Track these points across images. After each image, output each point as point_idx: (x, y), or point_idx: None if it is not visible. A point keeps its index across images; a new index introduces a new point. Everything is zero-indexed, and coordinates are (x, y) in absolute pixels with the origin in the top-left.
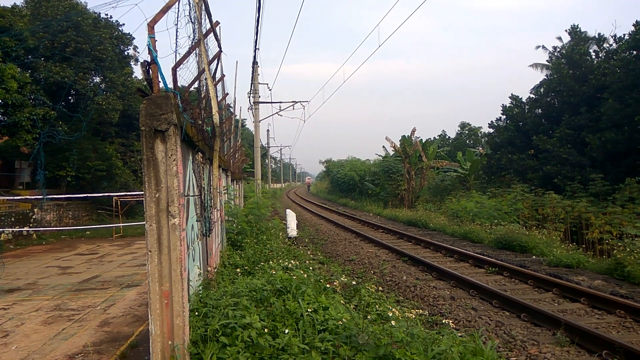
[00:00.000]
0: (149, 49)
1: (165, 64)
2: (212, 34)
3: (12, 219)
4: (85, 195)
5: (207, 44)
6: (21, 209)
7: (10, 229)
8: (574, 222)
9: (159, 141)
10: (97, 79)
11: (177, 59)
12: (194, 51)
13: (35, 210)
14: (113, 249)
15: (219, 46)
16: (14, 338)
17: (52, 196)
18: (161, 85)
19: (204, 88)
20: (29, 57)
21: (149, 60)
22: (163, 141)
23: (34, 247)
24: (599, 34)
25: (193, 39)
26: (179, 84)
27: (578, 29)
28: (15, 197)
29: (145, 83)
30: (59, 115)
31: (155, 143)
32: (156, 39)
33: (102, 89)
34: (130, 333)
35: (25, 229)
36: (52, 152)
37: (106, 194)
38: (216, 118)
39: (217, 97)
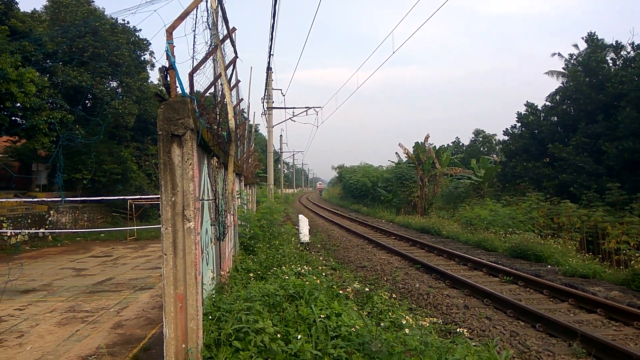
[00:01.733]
0: (167, 54)
1: (182, 70)
2: (228, 40)
3: (29, 221)
4: (101, 198)
5: (223, 50)
6: (37, 211)
7: (27, 231)
8: (590, 232)
9: (175, 145)
10: (114, 84)
11: (194, 65)
12: (210, 57)
13: (51, 212)
14: (127, 252)
15: (235, 52)
16: (29, 338)
17: (68, 198)
18: (178, 90)
19: (220, 93)
20: (48, 61)
21: (167, 66)
22: (180, 145)
23: (49, 249)
24: (616, 41)
25: (210, 45)
26: (195, 90)
27: (595, 37)
28: (32, 199)
29: (161, 88)
30: (76, 119)
31: (172, 147)
32: (174, 44)
33: (118, 94)
34: (143, 336)
35: (41, 230)
36: (69, 155)
37: (121, 197)
38: (232, 123)
39: (232, 102)
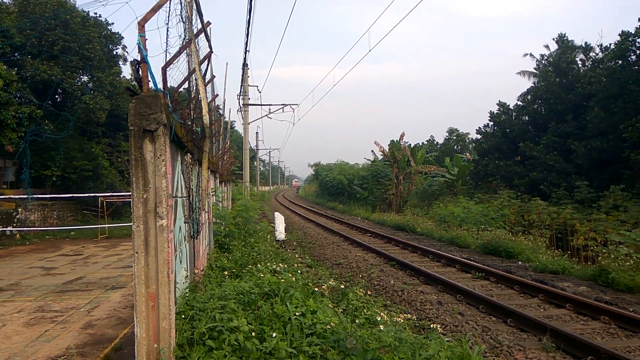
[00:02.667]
0: (139, 47)
1: (155, 64)
2: (202, 34)
3: None
4: (71, 195)
5: (198, 44)
6: (4, 208)
7: None
8: (560, 229)
9: (147, 141)
10: (85, 78)
11: (167, 59)
12: (184, 51)
13: (19, 209)
14: (98, 250)
15: (210, 47)
16: None
17: (37, 196)
18: (151, 84)
19: (194, 88)
20: (16, 54)
21: (139, 59)
22: (152, 141)
23: (17, 247)
24: (585, 42)
25: (184, 39)
26: (168, 85)
27: (565, 38)
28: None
29: (134, 83)
30: (45, 114)
31: (144, 143)
32: (147, 38)
33: (89, 88)
34: (114, 335)
35: (9, 228)
36: (38, 151)
37: (92, 195)
38: (206, 119)
39: (207, 98)
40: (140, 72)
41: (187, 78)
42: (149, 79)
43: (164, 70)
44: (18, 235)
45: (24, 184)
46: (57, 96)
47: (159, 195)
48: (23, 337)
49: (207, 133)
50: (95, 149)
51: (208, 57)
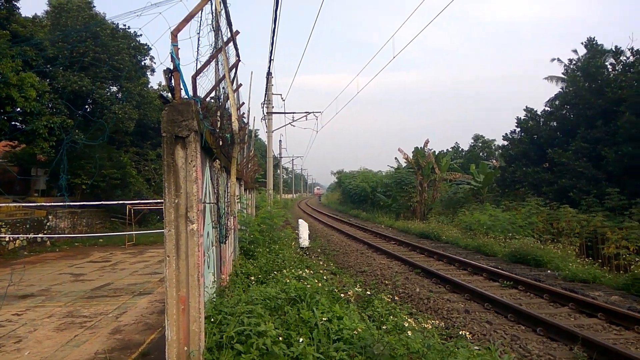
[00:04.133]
0: (172, 56)
1: (185, 73)
2: (231, 43)
3: (27, 226)
4: (100, 202)
5: (227, 52)
6: (36, 216)
7: (25, 236)
8: (590, 237)
9: (179, 147)
10: (114, 88)
11: (197, 67)
12: (213, 60)
13: (50, 217)
14: (126, 257)
15: (238, 55)
16: (27, 344)
17: (68, 203)
18: (182, 92)
19: (222, 96)
20: (49, 66)
21: (172, 68)
22: (183, 147)
23: (47, 254)
24: (615, 46)
25: (214, 48)
26: (197, 93)
27: (594, 42)
28: (31, 204)
29: (162, 90)
30: (76, 124)
31: (176, 149)
32: (179, 47)
33: (118, 98)
34: (141, 341)
35: (40, 235)
36: (69, 160)
37: (120, 202)
38: (235, 125)
39: (235, 104)
40: (172, 81)
41: (216, 86)
42: (181, 87)
43: (194, 78)
44: (48, 242)
45: (57, 192)
46: (87, 106)
47: (190, 200)
48: (53, 341)
49: (236, 139)
50: (123, 157)
51: (236, 65)
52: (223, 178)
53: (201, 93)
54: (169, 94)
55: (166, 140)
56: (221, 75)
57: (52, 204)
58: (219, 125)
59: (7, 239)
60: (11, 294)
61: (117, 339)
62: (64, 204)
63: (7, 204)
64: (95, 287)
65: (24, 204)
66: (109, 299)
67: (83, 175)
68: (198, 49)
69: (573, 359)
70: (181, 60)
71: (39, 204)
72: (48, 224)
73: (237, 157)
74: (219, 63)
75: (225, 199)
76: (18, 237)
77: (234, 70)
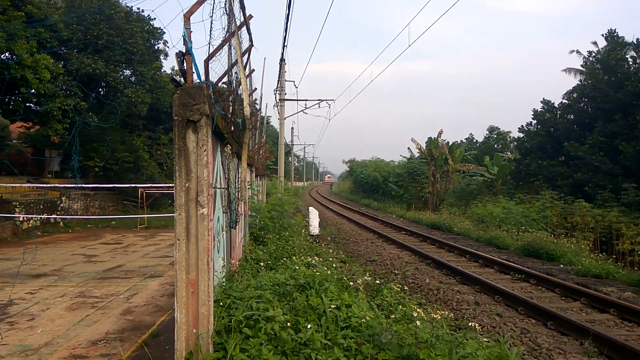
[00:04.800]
0: (184, 39)
1: (198, 57)
2: (244, 27)
3: (41, 207)
4: (112, 185)
5: (240, 36)
6: (49, 197)
7: (39, 216)
8: (604, 232)
9: (190, 131)
10: (128, 72)
11: (210, 51)
12: (226, 44)
13: (63, 198)
14: (137, 240)
15: (251, 40)
16: (40, 322)
17: (81, 185)
18: (195, 76)
19: (235, 81)
20: (63, 48)
21: (184, 51)
22: (195, 131)
23: (60, 235)
24: (637, 39)
25: (227, 32)
26: (210, 77)
27: (615, 34)
28: (45, 185)
29: (175, 75)
30: (89, 106)
31: (187, 133)
32: (191, 30)
33: (132, 82)
34: (152, 322)
35: (53, 216)
36: (82, 143)
37: (132, 185)
38: (247, 110)
39: (247, 90)
40: (184, 64)
41: (229, 70)
42: (193, 70)
43: (207, 63)
44: (62, 223)
45: (70, 173)
46: (100, 89)
47: (201, 184)
48: (65, 320)
49: (248, 124)
50: (136, 141)
51: (249, 50)
52: (234, 163)
53: (213, 78)
54: (181, 78)
55: (177, 123)
56: (234, 60)
57: (65, 185)
58: (230, 111)
59: (21, 219)
60: (25, 272)
61: (127, 319)
62: (76, 185)
63: (22, 185)
64: (107, 269)
65: (37, 185)
66: (121, 280)
67: (96, 157)
68: (211, 33)
69: (583, 354)
70: (194, 44)
71: (52, 185)
72: (61, 205)
73: (249, 143)
74: (232, 47)
75: (236, 185)
76: (32, 217)
77: (246, 56)
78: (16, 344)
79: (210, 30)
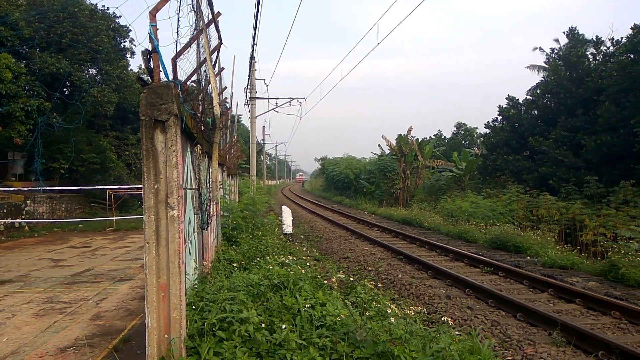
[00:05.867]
0: (150, 37)
1: (165, 55)
2: (213, 26)
3: (4, 211)
4: (79, 187)
5: (208, 34)
6: (13, 201)
7: (2, 221)
8: (568, 224)
9: (159, 131)
10: (93, 71)
11: (178, 49)
12: (195, 42)
13: (27, 202)
14: (106, 243)
15: (220, 38)
16: (5, 330)
17: (46, 188)
18: (162, 75)
19: (204, 80)
20: (25, 47)
21: (150, 49)
22: (163, 131)
23: (26, 240)
24: (596, 36)
25: (194, 29)
26: (178, 76)
27: (576, 31)
28: (8, 189)
29: (142, 73)
30: (53, 106)
31: (155, 133)
32: (158, 27)
33: (97, 81)
34: (122, 327)
35: (18, 220)
36: (47, 144)
37: (100, 187)
38: (217, 110)
39: (217, 89)
40: (151, 63)
41: (198, 68)
42: (160, 69)
43: (174, 61)
44: (27, 227)
45: (34, 177)
46: (65, 89)
47: (170, 185)
48: (32, 327)
49: (218, 124)
50: (103, 142)
51: (218, 48)
52: (205, 163)
53: (182, 76)
54: (148, 77)
55: (145, 124)
56: (202, 59)
57: (29, 188)
58: (200, 110)
59: None
60: None
61: (97, 324)
62: (39, 188)
63: None
64: (75, 273)
65: (0, 189)
66: (90, 284)
67: (61, 159)
68: (178, 30)
69: (552, 344)
70: (160, 42)
71: (15, 188)
72: (26, 208)
73: (220, 142)
74: (200, 45)
75: (207, 185)
76: None
77: (215, 54)
78: None
79: (177, 28)
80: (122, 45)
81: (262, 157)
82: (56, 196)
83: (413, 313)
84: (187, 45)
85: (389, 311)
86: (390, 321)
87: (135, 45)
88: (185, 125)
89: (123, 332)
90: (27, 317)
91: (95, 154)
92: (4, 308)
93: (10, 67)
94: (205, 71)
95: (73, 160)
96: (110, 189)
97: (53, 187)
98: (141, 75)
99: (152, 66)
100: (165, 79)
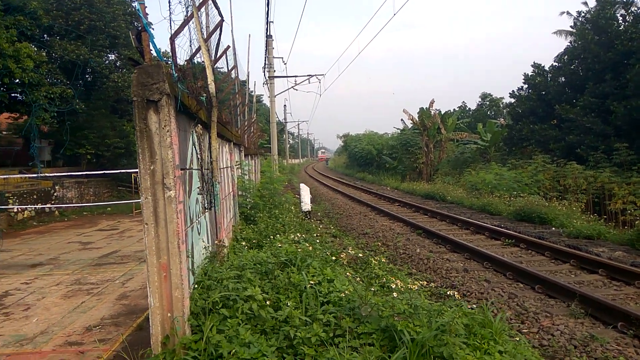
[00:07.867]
0: (138, 15)
1: (165, 34)
2: (210, 1)
3: (34, 197)
4: (103, 172)
5: (208, 8)
6: (43, 187)
7: (33, 206)
8: (597, 193)
9: (152, 112)
10: (113, 57)
11: (172, 27)
12: (191, 20)
13: (56, 187)
14: (133, 225)
15: (220, 14)
16: (35, 311)
17: (72, 174)
18: (153, 53)
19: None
20: (45, 36)
21: (140, 28)
22: (156, 112)
23: (56, 224)
24: None
25: (187, 8)
26: (178, 55)
27: None
28: (35, 175)
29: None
30: (76, 93)
31: (148, 114)
32: (146, 5)
33: (117, 67)
34: (147, 306)
35: (48, 206)
36: (72, 131)
37: (124, 171)
38: (212, 87)
39: (212, 65)
40: (141, 42)
41: (200, 49)
42: (151, 48)
43: (172, 39)
44: (57, 212)
45: (61, 163)
46: (87, 75)
47: (166, 166)
48: (61, 308)
49: (214, 102)
50: (126, 126)
51: (219, 25)
52: (206, 143)
53: (182, 55)
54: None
55: (137, 104)
56: (205, 37)
57: (57, 174)
58: (203, 88)
59: (15, 210)
60: (20, 262)
61: (123, 304)
62: (38, 172)
63: (14, 175)
64: (102, 255)
65: (29, 175)
66: (116, 266)
67: (87, 145)
68: (169, 6)
69: (570, 316)
70: (160, 20)
71: (42, 174)
72: (55, 194)
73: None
74: (202, 23)
75: (209, 164)
76: (26, 207)
77: (218, 31)
78: (11, 334)
79: (169, 5)
80: (139, 29)
81: (284, 136)
82: (84, 181)
83: (417, 287)
84: (185, 22)
85: (394, 286)
86: (393, 296)
87: (153, 28)
88: (182, 104)
89: (147, 310)
90: (56, 299)
91: (119, 139)
92: (35, 290)
93: (31, 56)
94: (208, 50)
95: (98, 146)
96: (135, 172)
97: (79, 172)
98: (131, 57)
99: (142, 45)
100: (157, 58)
